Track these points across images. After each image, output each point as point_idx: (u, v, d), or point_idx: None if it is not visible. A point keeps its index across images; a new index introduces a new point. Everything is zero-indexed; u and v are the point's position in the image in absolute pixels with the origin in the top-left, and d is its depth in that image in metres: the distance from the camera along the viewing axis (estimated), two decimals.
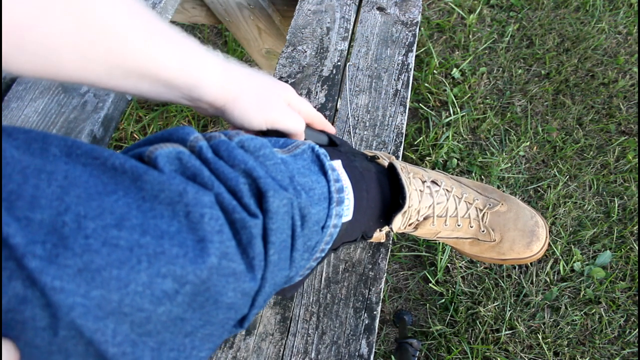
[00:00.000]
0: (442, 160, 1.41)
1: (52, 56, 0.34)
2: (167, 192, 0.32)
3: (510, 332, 1.15)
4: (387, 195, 0.56)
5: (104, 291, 0.28)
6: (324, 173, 0.45)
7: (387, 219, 0.57)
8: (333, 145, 0.57)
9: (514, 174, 1.39)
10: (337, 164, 0.47)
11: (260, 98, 0.49)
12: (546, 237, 0.63)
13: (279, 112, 0.50)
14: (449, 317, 1.18)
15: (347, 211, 0.46)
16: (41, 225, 0.28)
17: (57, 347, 0.28)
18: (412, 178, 0.58)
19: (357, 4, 0.96)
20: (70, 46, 0.34)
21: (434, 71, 1.58)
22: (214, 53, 0.46)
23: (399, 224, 0.57)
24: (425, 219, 0.60)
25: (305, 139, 0.53)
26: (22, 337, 0.27)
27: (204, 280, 0.32)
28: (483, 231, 0.63)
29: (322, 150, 0.46)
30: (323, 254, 0.46)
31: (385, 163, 0.60)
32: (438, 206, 0.60)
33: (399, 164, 0.58)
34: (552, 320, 1.17)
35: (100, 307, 0.28)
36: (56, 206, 0.28)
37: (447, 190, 0.61)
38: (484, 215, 0.63)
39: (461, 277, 1.22)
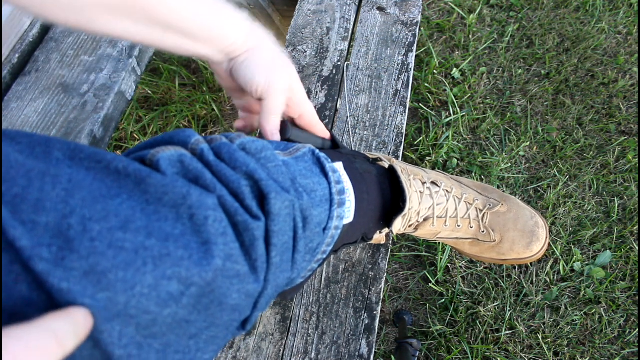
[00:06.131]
0: (442, 161, 1.41)
1: (84, 13, 0.38)
2: (170, 194, 0.32)
3: (510, 332, 1.15)
4: (388, 197, 0.56)
5: (110, 293, 0.28)
6: (325, 175, 0.45)
7: (387, 221, 0.57)
8: (335, 147, 0.57)
9: (514, 174, 1.39)
10: (339, 165, 0.47)
11: (274, 58, 0.50)
12: (546, 237, 0.63)
13: (280, 80, 0.50)
14: (449, 317, 1.18)
15: (348, 213, 0.46)
16: (47, 229, 0.28)
17: None
18: (413, 180, 0.58)
19: (357, 4, 0.96)
20: (100, 6, 0.38)
21: (434, 71, 1.58)
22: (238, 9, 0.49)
23: (399, 226, 0.57)
24: (425, 220, 0.60)
25: (293, 140, 0.52)
26: None
27: (209, 282, 0.32)
28: (483, 231, 0.63)
29: (322, 154, 0.46)
30: (324, 256, 0.46)
31: (386, 165, 0.60)
32: (438, 207, 0.60)
33: (400, 166, 0.58)
34: (552, 320, 1.17)
35: (106, 309, 0.28)
36: (61, 209, 0.28)
37: (446, 191, 0.61)
38: (484, 215, 0.63)
39: (461, 277, 1.22)
